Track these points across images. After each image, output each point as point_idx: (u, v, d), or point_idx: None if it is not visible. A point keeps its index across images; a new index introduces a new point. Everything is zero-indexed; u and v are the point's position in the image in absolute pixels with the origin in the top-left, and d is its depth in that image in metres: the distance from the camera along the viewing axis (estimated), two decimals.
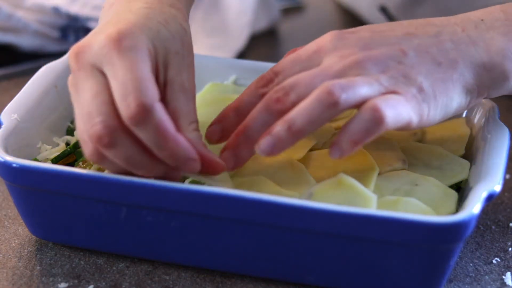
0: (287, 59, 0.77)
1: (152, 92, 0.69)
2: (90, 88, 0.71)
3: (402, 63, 0.74)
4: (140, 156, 0.71)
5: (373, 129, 0.71)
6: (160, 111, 0.69)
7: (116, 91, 0.70)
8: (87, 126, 0.70)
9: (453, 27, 0.77)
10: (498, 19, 0.78)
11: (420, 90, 0.73)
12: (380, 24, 0.80)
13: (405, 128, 0.73)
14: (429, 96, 0.74)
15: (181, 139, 0.70)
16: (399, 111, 0.72)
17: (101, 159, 0.72)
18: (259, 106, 0.74)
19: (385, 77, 0.73)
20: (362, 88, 0.72)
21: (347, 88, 0.71)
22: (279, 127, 0.71)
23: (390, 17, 1.14)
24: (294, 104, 0.72)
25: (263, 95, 0.76)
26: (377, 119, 0.71)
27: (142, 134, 0.70)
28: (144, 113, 0.68)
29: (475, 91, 0.76)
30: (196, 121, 0.75)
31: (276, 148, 0.71)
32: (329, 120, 0.72)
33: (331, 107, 0.71)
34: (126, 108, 0.69)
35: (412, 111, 0.73)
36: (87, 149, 0.72)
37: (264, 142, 0.72)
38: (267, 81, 0.76)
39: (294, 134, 0.71)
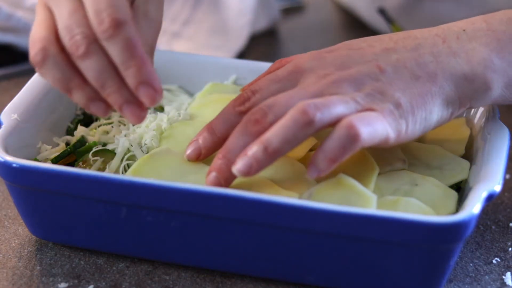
0: (265, 79, 0.78)
1: (125, 10, 0.71)
2: (66, 5, 0.72)
3: (379, 79, 0.75)
4: (109, 72, 0.72)
5: (349, 146, 0.72)
6: (131, 28, 0.71)
7: (90, 7, 0.71)
8: (67, 38, 0.71)
9: (434, 38, 0.78)
10: (480, 29, 0.78)
11: (398, 105, 0.74)
12: (360, 39, 0.80)
13: (383, 144, 0.74)
14: (407, 111, 0.74)
15: (148, 60, 0.71)
16: (375, 127, 0.72)
17: (44, 61, 0.72)
18: (238, 128, 0.75)
19: (361, 95, 0.74)
20: (338, 107, 0.72)
21: (322, 107, 0.72)
22: (254, 148, 0.72)
23: (388, 19, 1.14)
24: (272, 125, 0.73)
25: (240, 113, 0.77)
26: (352, 136, 0.71)
27: (112, 48, 0.70)
28: (117, 27, 0.70)
29: (456, 102, 0.77)
30: (152, 55, 0.76)
31: (253, 169, 0.73)
32: (305, 139, 0.73)
33: (306, 126, 0.72)
34: (100, 22, 0.70)
35: (389, 127, 0.73)
36: (33, 50, 0.73)
37: (240, 163, 0.73)
38: (244, 99, 0.77)
39: (271, 155, 0.72)
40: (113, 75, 0.72)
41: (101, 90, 0.72)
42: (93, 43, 0.71)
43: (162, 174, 0.78)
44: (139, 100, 0.72)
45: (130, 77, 0.71)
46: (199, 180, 0.77)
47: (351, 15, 1.28)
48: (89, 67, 0.72)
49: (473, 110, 0.87)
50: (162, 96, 0.72)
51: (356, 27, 1.25)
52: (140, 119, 0.73)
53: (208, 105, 0.88)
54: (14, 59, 1.14)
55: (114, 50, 0.71)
